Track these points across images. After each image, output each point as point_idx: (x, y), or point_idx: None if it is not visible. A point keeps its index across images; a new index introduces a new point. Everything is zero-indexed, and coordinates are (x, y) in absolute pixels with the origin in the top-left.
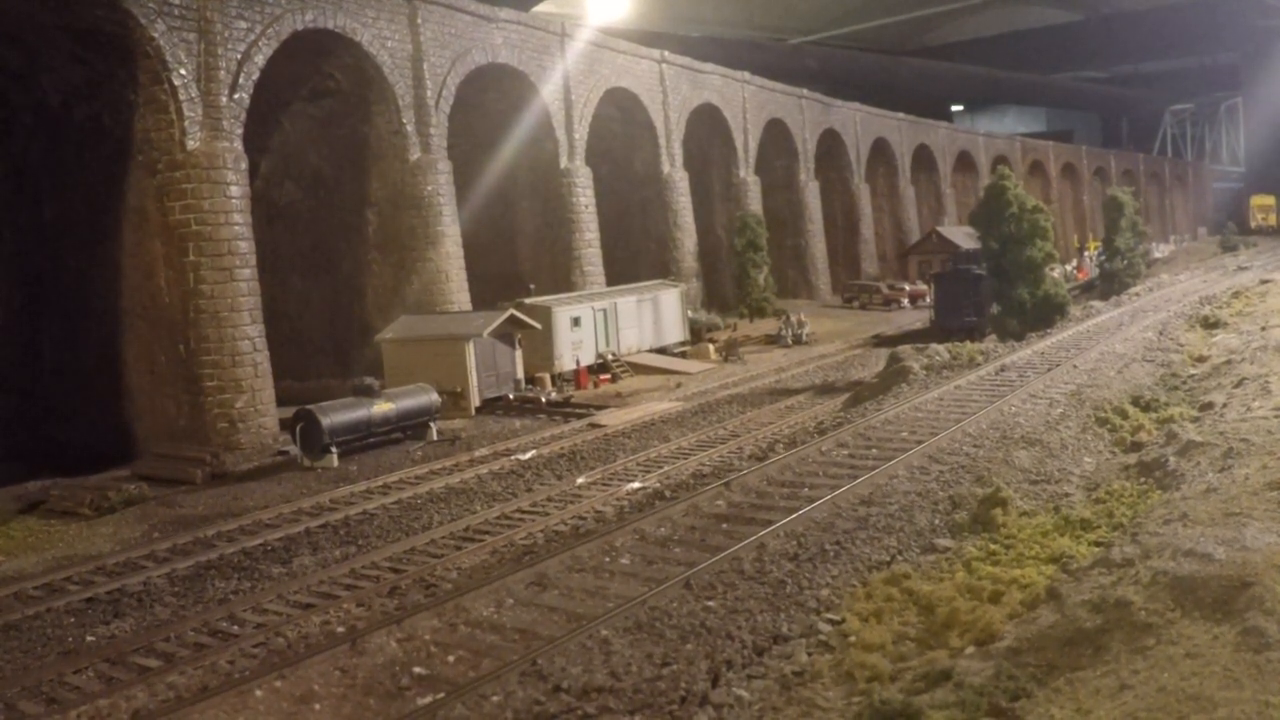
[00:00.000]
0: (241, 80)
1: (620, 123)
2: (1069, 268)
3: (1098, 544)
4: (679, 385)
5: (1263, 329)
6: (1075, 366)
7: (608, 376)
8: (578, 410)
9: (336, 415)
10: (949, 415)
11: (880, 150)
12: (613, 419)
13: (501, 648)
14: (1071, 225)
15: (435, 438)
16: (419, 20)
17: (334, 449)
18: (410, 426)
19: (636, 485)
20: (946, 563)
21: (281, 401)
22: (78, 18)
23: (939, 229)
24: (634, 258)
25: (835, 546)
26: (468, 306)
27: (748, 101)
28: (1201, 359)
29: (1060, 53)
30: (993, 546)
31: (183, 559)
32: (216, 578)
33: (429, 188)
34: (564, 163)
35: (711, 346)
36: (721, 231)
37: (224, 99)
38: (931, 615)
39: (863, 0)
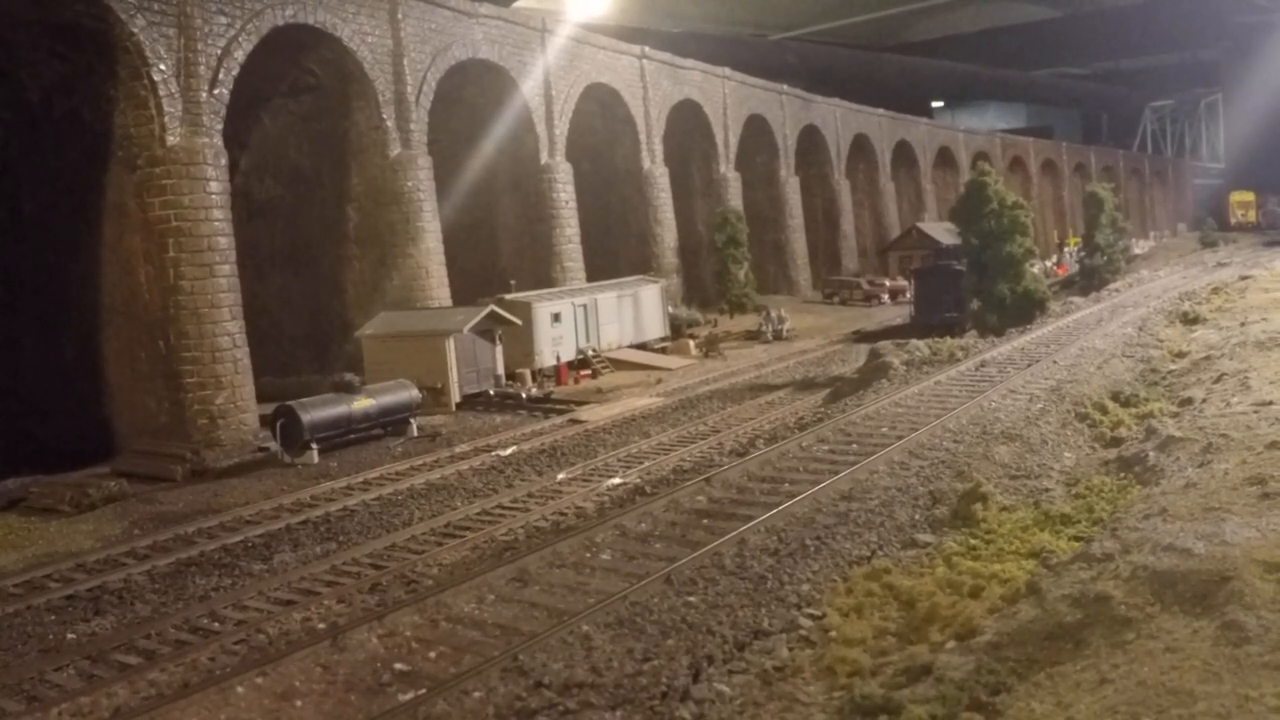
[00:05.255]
0: (221, 76)
1: (601, 118)
2: (1049, 263)
3: (1078, 539)
4: (659, 381)
5: (1242, 325)
6: (1055, 362)
7: (588, 372)
8: (558, 406)
9: (317, 411)
10: (929, 411)
11: (860, 146)
12: (593, 415)
13: (483, 643)
14: (1052, 221)
15: (416, 434)
16: (399, 15)
17: (314, 445)
18: (391, 423)
19: (617, 481)
20: (927, 558)
21: (262, 398)
22: (56, 13)
23: (919, 225)
24: (614, 253)
25: (816, 542)
26: (448, 302)
27: (728, 97)
28: (1181, 355)
29: (1040, 49)
30: (973, 541)
31: (163, 556)
32: (197, 574)
33: (409, 183)
34: (544, 158)
35: (692, 342)
36: (702, 227)
37: (204, 94)
38: (912, 610)
39: None
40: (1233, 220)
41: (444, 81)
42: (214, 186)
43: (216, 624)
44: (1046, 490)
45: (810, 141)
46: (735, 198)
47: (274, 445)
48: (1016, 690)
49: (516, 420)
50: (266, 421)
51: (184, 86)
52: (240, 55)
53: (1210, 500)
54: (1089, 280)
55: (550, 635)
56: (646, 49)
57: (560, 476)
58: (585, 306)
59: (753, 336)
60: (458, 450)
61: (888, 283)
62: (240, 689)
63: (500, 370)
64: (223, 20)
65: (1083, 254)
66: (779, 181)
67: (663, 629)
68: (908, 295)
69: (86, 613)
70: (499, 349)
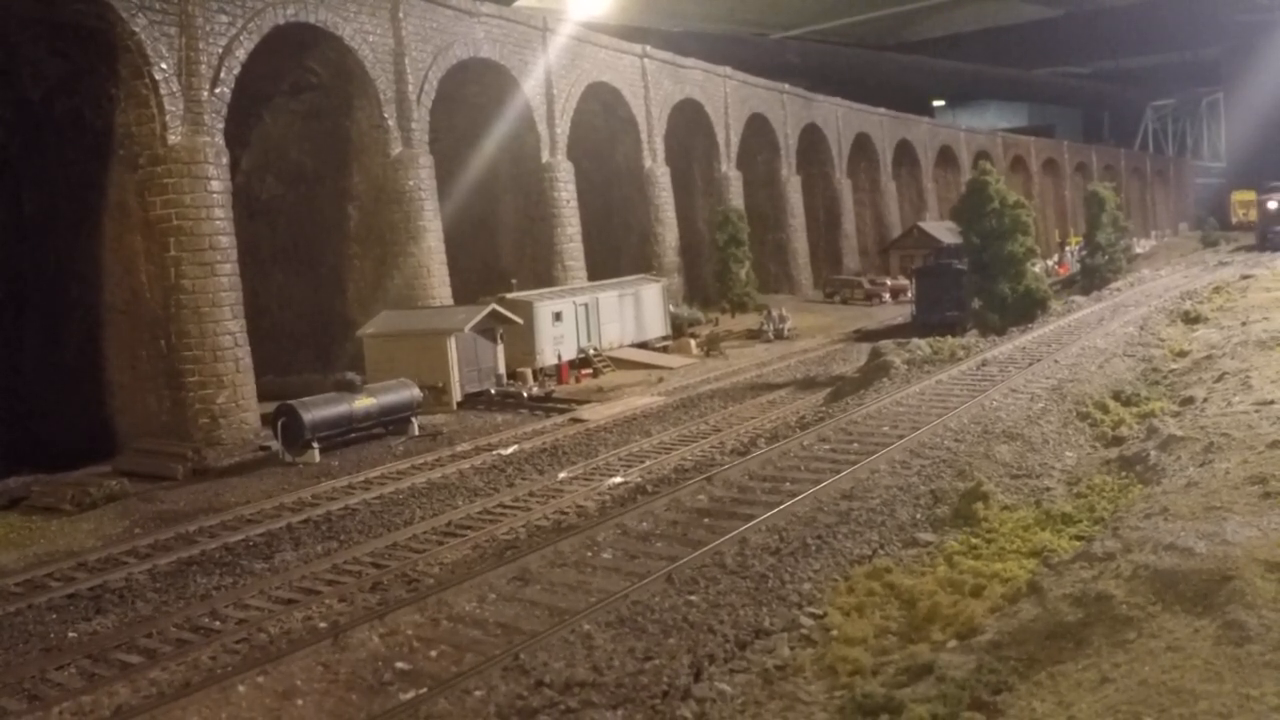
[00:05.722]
0: (223, 74)
1: (602, 117)
2: (1050, 263)
3: (1079, 538)
4: (660, 380)
5: (1243, 324)
6: (1056, 361)
7: (589, 371)
8: (559, 405)
9: (318, 410)
10: (930, 410)
11: (862, 145)
12: (594, 414)
13: (484, 642)
14: (1053, 220)
15: (417, 433)
16: (401, 14)
17: (315, 444)
18: (392, 421)
19: (618, 480)
20: (928, 556)
21: (263, 397)
22: (58, 11)
23: (920, 224)
24: (616, 252)
25: (817, 541)
26: (449, 301)
27: (729, 96)
28: (1182, 354)
29: (1041, 48)
30: (974, 540)
31: (164, 555)
32: (198, 573)
33: (410, 182)
34: (545, 157)
35: (693, 341)
36: (703, 226)
37: (205, 93)
38: (913, 609)
39: None
40: (1234, 219)
41: (445, 80)
42: (215, 185)
43: (218, 623)
44: (1048, 489)
45: (811, 140)
46: (736, 197)
47: (275, 444)
48: (1018, 689)
49: (518, 419)
50: (268, 420)
51: (185, 85)
52: (241, 54)
53: (1211, 499)
54: (1090, 279)
55: (551, 634)
56: (648, 48)
57: (561, 475)
58: (586, 305)
59: (754, 335)
60: (459, 449)
61: (889, 282)
62: (241, 688)
63: (501, 369)
64: (224, 19)
65: (1084, 253)
66: (780, 180)
67: (664, 628)
68: (909, 294)
69: (88, 611)
70: (500, 348)
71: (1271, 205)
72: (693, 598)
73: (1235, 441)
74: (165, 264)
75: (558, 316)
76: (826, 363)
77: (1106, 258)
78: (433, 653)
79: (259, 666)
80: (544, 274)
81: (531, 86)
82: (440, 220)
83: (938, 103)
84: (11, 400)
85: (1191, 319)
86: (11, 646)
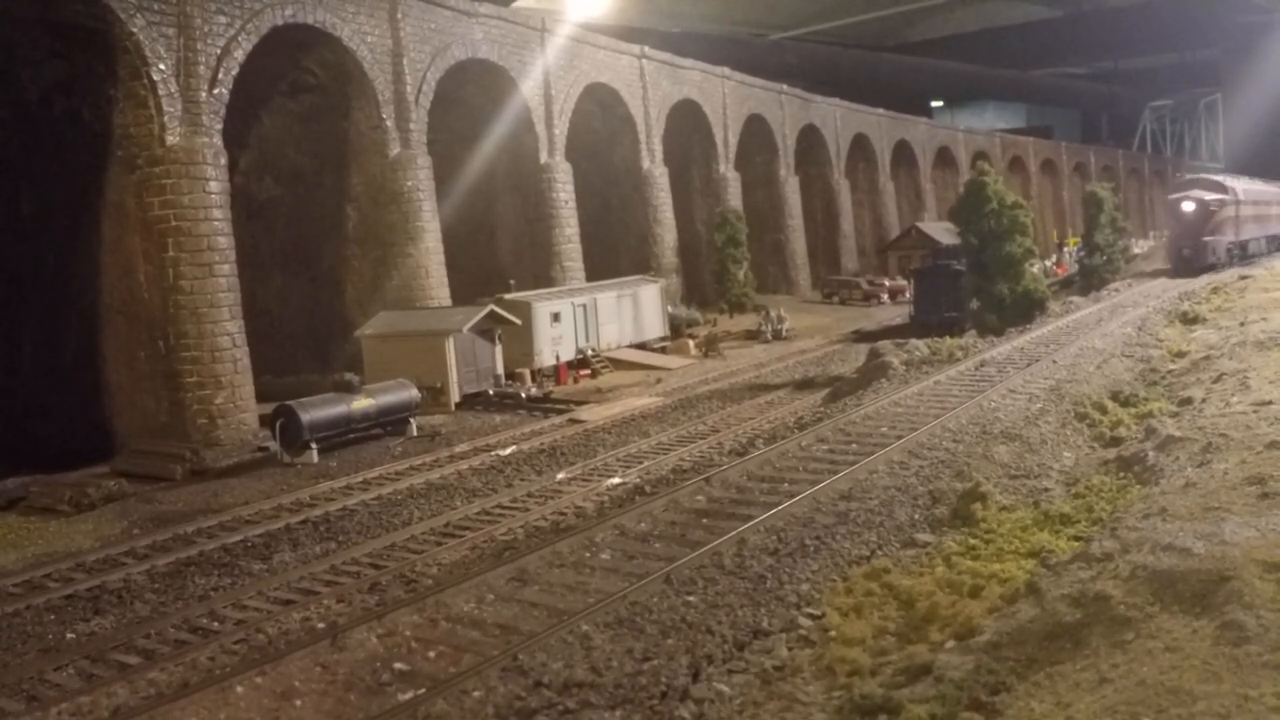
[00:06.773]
0: (221, 75)
1: (600, 118)
2: (1048, 263)
3: (1077, 538)
4: (659, 381)
5: (1241, 324)
6: (1054, 362)
7: (588, 372)
8: (558, 406)
9: (316, 411)
10: (929, 410)
11: (860, 146)
12: (593, 414)
13: (482, 643)
14: (1051, 221)
15: (415, 433)
16: (399, 15)
17: (314, 445)
18: (390, 422)
19: (617, 480)
20: (926, 557)
21: (261, 397)
22: (56, 12)
23: (919, 224)
24: (614, 253)
25: (815, 541)
26: (448, 302)
27: (728, 97)
28: (1180, 354)
29: (1040, 49)
30: (972, 541)
31: (163, 555)
32: (197, 574)
33: (409, 183)
34: (544, 158)
35: (691, 342)
36: (701, 227)
37: (203, 94)
38: (911, 610)
39: None
40: None
41: (443, 81)
42: (213, 186)
43: (216, 623)
44: (1046, 490)
45: (810, 141)
46: (735, 197)
47: (273, 445)
48: (1016, 690)
49: (516, 420)
50: (266, 421)
51: (183, 86)
52: (240, 55)
53: (1210, 500)
54: (1088, 280)
55: (550, 635)
56: (646, 49)
57: (560, 476)
58: (585, 306)
59: (752, 336)
60: (457, 450)
61: (887, 282)
62: (240, 688)
63: (500, 370)
64: (222, 20)
65: (1082, 254)
66: (778, 181)
67: (662, 628)
68: (907, 295)
69: (86, 612)
70: (498, 349)
71: (1188, 207)
72: (691, 598)
73: (1233, 442)
74: (163, 264)
75: (556, 317)
76: (824, 363)
77: (1104, 258)
78: (431, 653)
79: (257, 667)
80: (542, 274)
81: (530, 87)
82: (438, 221)
83: (936, 103)
84: (9, 401)
85: (1190, 319)
86: (10, 647)
